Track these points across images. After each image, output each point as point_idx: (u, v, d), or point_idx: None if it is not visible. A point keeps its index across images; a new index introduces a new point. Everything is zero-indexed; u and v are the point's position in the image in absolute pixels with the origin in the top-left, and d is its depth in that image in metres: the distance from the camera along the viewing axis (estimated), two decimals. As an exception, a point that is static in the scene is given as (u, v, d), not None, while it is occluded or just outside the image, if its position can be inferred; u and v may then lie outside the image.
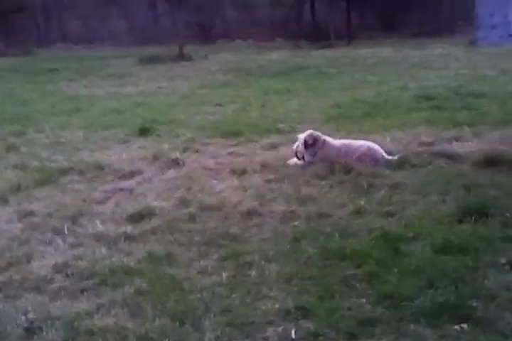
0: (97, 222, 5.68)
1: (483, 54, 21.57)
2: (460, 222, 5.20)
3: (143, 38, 39.68)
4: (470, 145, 7.94)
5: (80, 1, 42.87)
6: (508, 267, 4.34)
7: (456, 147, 7.87)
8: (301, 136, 7.37)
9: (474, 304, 3.82)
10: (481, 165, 6.82)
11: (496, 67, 16.97)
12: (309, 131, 7.45)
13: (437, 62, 19.26)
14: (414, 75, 15.96)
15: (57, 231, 5.49)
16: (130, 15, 43.71)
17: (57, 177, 7.24)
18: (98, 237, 5.29)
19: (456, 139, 8.27)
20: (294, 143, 7.45)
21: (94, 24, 42.71)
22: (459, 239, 4.75)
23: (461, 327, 3.59)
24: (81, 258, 4.83)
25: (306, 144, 7.29)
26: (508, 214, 5.27)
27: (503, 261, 4.43)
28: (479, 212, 5.28)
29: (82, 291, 4.32)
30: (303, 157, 7.32)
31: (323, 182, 6.57)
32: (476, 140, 8.23)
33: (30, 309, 4.05)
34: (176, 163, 7.58)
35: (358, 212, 5.60)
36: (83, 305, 4.11)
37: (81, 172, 7.41)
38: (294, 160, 7.40)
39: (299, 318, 3.81)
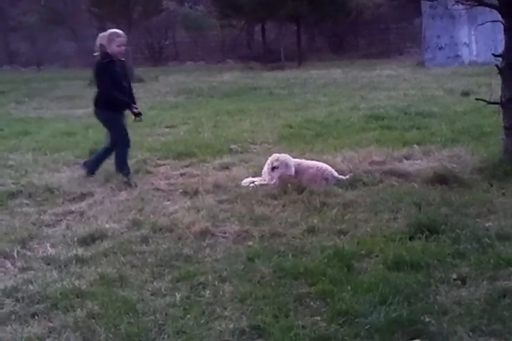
0: (48, 245, 5.59)
1: (431, 75, 22.01)
2: (411, 238, 5.26)
3: (92, 59, 39.42)
4: (420, 164, 8.08)
5: (27, 22, 42.38)
6: (459, 282, 4.40)
7: (407, 165, 7.99)
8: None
9: (427, 319, 3.85)
10: (431, 183, 6.91)
11: (443, 87, 17.35)
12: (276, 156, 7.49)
13: (386, 83, 19.59)
14: (365, 96, 16.18)
15: (7, 255, 5.37)
16: (79, 36, 43.38)
17: (6, 201, 7.10)
18: (49, 260, 5.20)
19: (407, 158, 8.40)
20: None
21: (42, 46, 42.25)
22: (410, 255, 4.79)
23: (414, 343, 3.62)
24: (31, 282, 4.73)
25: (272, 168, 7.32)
26: (458, 230, 5.34)
27: (454, 276, 4.49)
28: (430, 229, 5.36)
29: (32, 315, 4.23)
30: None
31: (276, 202, 6.59)
32: (425, 158, 8.37)
33: (-21, 335, 3.95)
34: (127, 184, 7.51)
35: (311, 231, 5.62)
36: (34, 329, 4.03)
37: (30, 196, 7.28)
38: (248, 180, 7.42)
39: (254, 338, 3.80)
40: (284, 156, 7.43)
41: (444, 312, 3.95)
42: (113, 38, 7.66)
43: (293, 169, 7.27)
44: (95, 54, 7.80)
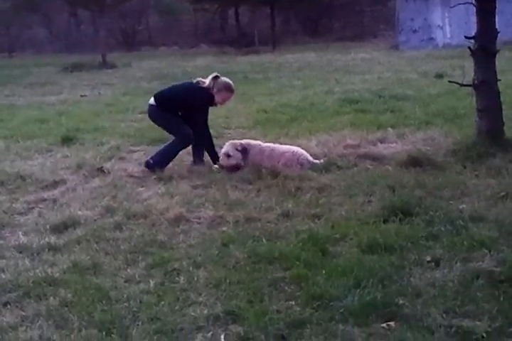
0: (20, 233, 5.54)
1: (405, 57, 22.02)
2: (385, 221, 5.27)
3: (65, 45, 39.00)
4: (394, 147, 8.10)
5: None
6: (433, 264, 4.42)
7: (381, 148, 8.01)
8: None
9: (401, 302, 3.86)
10: (405, 166, 6.92)
11: (417, 70, 17.38)
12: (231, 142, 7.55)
13: (361, 66, 19.57)
14: (339, 79, 16.14)
15: (-22, 244, 5.31)
16: (51, 22, 42.84)
17: (-22, 189, 7.02)
18: (21, 249, 5.15)
19: (381, 141, 8.41)
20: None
21: (15, 32, 41.65)
22: (384, 238, 4.80)
23: (388, 325, 3.62)
24: (3, 271, 4.69)
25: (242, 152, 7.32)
26: (432, 212, 5.35)
27: (428, 258, 4.50)
28: (404, 212, 5.36)
29: (5, 304, 4.19)
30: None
31: (251, 187, 6.57)
32: (399, 141, 8.38)
33: (-50, 324, 3.89)
34: (100, 171, 7.44)
35: (286, 215, 5.61)
36: (7, 318, 3.99)
37: (2, 184, 7.18)
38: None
39: (229, 323, 3.78)
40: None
41: (417, 295, 3.97)
42: (223, 90, 7.85)
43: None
44: (202, 80, 8.06)
